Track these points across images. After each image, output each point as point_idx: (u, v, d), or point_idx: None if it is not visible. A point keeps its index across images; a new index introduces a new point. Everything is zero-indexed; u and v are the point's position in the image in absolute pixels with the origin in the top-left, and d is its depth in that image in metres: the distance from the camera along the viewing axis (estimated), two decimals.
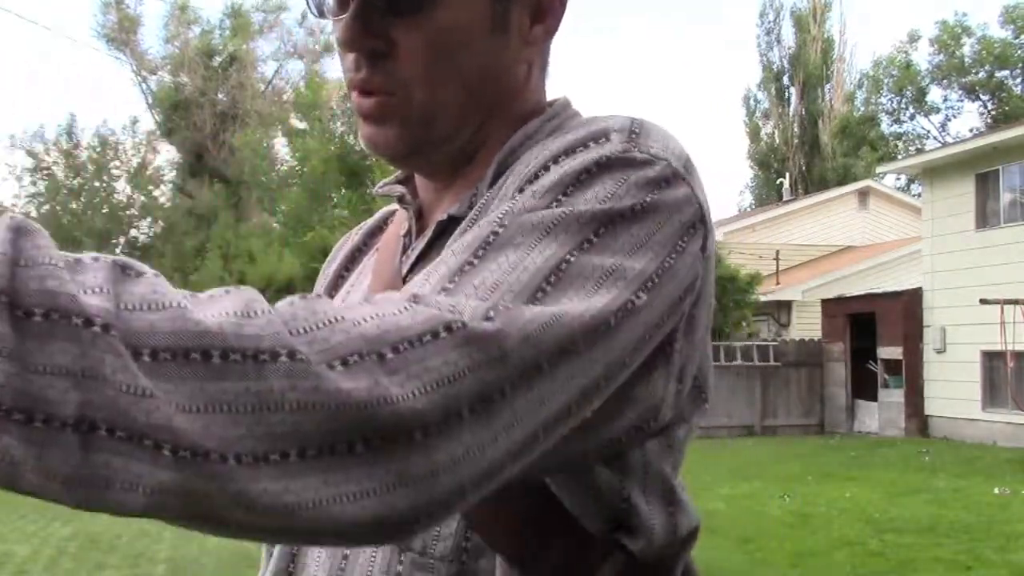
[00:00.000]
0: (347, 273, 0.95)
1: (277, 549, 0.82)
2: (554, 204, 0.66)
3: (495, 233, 0.64)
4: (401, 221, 0.88)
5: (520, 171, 0.73)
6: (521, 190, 0.69)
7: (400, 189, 0.86)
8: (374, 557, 0.73)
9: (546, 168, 0.70)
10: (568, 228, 0.64)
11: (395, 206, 0.93)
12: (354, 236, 1.00)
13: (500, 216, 0.65)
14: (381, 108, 0.77)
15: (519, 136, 0.82)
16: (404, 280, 0.80)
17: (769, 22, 35.00)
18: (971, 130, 30.78)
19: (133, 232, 24.33)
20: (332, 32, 0.79)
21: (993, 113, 31.32)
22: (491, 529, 0.72)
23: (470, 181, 0.82)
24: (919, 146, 32.38)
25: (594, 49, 75.27)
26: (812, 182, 32.48)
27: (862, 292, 16.75)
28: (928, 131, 33.52)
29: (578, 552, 0.74)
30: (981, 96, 31.76)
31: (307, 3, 0.82)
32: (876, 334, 15.68)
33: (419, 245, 0.82)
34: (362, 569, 0.74)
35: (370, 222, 0.99)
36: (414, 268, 0.80)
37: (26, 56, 53.37)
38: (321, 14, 0.80)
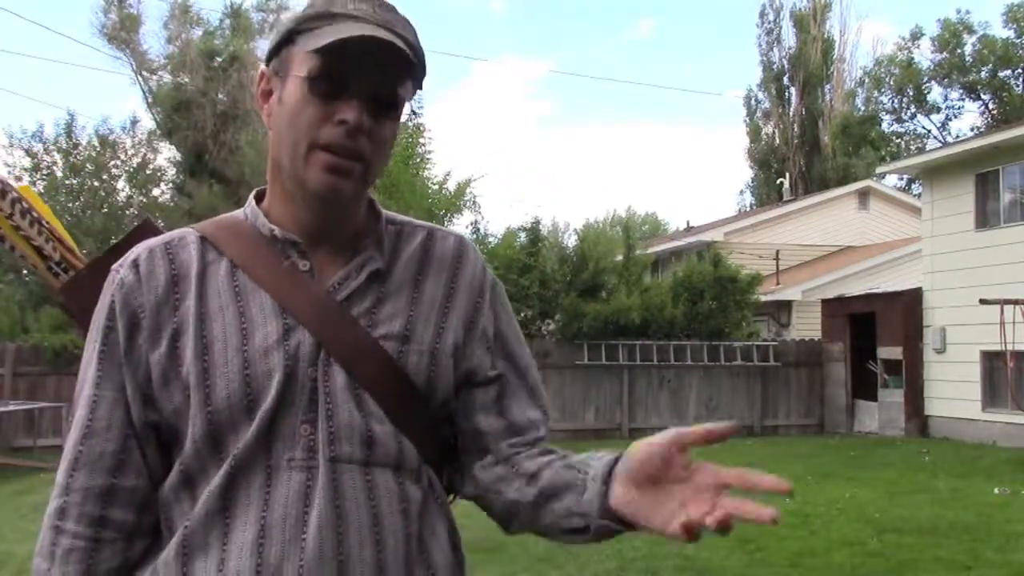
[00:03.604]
0: (203, 288, 1.22)
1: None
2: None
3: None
4: (266, 251, 1.24)
5: (464, 279, 1.32)
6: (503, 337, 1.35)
7: (293, 236, 1.24)
8: (385, 474, 1.19)
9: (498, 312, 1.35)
10: None
11: (187, 231, 1.29)
12: (180, 255, 1.25)
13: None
14: (352, 169, 1.17)
15: (384, 215, 1.32)
16: (341, 304, 1.21)
17: (769, 22, 35.02)
18: (972, 129, 30.77)
19: None
20: (310, 105, 1.17)
21: (994, 113, 31.27)
22: (426, 448, 1.24)
23: (349, 234, 1.26)
24: (919, 145, 32.35)
25: (594, 49, 75.19)
26: (812, 182, 32.47)
27: (862, 292, 16.74)
28: (929, 130, 33.51)
29: (444, 453, 1.32)
30: (982, 96, 31.72)
31: (331, 72, 1.16)
32: (876, 334, 15.67)
33: (351, 284, 1.23)
34: (386, 485, 1.19)
35: (192, 250, 1.25)
36: (350, 299, 1.22)
37: (26, 55, 53.30)
38: (337, 91, 1.16)
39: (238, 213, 1.31)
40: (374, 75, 1.16)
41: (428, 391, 1.23)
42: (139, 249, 1.27)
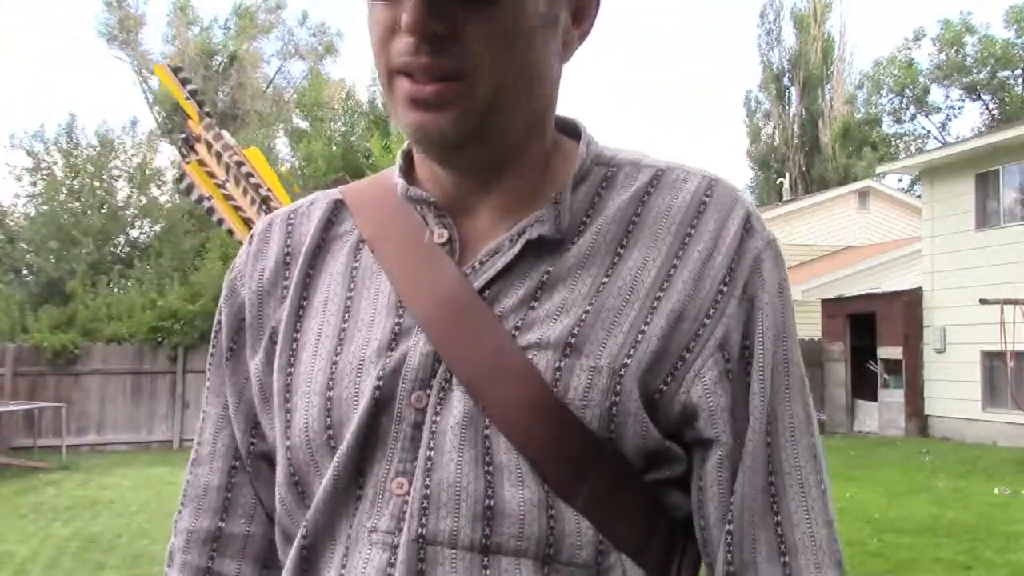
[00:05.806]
0: (313, 271, 0.88)
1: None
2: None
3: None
4: (403, 220, 0.85)
5: (694, 247, 0.80)
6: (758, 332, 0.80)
7: (426, 195, 0.84)
8: (519, 570, 0.75)
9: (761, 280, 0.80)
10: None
11: (324, 194, 0.93)
12: (300, 228, 0.91)
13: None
14: (441, 94, 0.74)
15: (589, 152, 0.85)
16: (481, 294, 0.79)
17: (769, 22, 34.99)
18: (972, 130, 30.79)
19: (133, 232, 24.27)
20: (374, 12, 0.77)
21: (995, 113, 31.29)
22: (617, 530, 0.77)
23: (521, 189, 0.82)
24: (920, 146, 32.36)
25: (593, 47, 75.23)
26: (812, 182, 32.47)
27: (862, 292, 16.74)
28: (929, 131, 33.54)
29: (672, 539, 0.83)
30: (983, 96, 31.74)
31: None
32: (876, 334, 15.68)
33: (498, 261, 0.80)
34: None
35: (318, 215, 0.90)
36: (494, 282, 0.80)
37: (26, 56, 53.36)
38: None
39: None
40: None
41: (609, 434, 0.75)
42: (263, 220, 0.94)
